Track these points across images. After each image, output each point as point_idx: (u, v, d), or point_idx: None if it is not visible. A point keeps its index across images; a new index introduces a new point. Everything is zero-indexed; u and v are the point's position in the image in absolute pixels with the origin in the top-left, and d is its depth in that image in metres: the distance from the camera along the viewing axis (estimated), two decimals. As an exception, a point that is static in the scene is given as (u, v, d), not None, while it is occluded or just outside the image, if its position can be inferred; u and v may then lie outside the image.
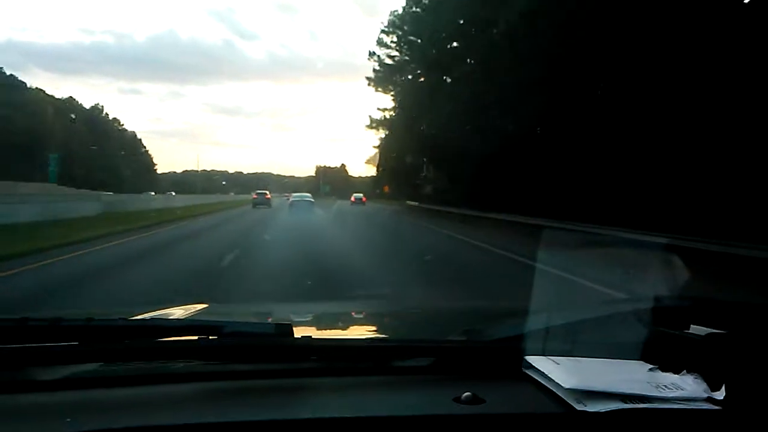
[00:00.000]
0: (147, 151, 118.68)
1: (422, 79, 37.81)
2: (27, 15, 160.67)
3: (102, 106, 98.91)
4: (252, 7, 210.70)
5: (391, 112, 60.10)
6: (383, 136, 74.72)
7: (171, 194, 66.49)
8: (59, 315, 1.24)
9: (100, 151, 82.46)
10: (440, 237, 19.43)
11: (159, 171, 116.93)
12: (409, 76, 44.38)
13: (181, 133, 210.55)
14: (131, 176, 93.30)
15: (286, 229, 21.80)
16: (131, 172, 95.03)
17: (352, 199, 71.73)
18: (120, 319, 1.31)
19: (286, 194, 77.37)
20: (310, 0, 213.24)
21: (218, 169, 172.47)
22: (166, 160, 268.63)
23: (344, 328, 2.21)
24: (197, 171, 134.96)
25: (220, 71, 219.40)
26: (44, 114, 68.90)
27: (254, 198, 46.99)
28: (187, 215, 29.77)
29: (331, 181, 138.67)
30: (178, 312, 1.90)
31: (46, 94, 76.84)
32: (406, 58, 44.55)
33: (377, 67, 49.82)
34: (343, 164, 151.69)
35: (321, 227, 24.12)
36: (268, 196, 48.36)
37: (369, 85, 52.70)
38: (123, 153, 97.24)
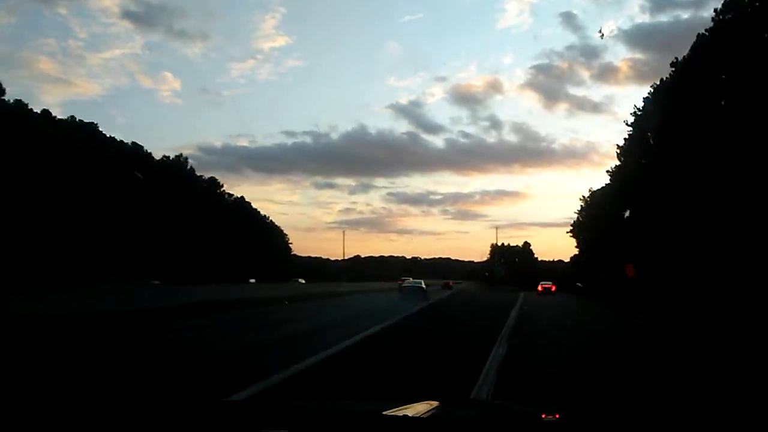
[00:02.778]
0: (273, 226, 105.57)
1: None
2: (241, 124, 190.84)
3: (186, 159, 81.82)
4: (434, 101, 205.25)
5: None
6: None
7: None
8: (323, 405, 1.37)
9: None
10: None
11: (333, 258, 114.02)
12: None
13: (368, 222, 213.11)
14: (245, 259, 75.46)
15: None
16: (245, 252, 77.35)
17: (540, 288, 56.77)
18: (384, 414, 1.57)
19: (454, 281, 74.91)
20: (490, 91, 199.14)
21: (396, 255, 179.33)
22: (350, 247, 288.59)
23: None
24: (373, 257, 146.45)
25: (405, 162, 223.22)
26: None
27: (400, 284, 46.48)
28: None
29: (510, 265, 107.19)
30: (420, 408, 1.95)
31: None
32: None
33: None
34: (526, 242, 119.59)
35: None
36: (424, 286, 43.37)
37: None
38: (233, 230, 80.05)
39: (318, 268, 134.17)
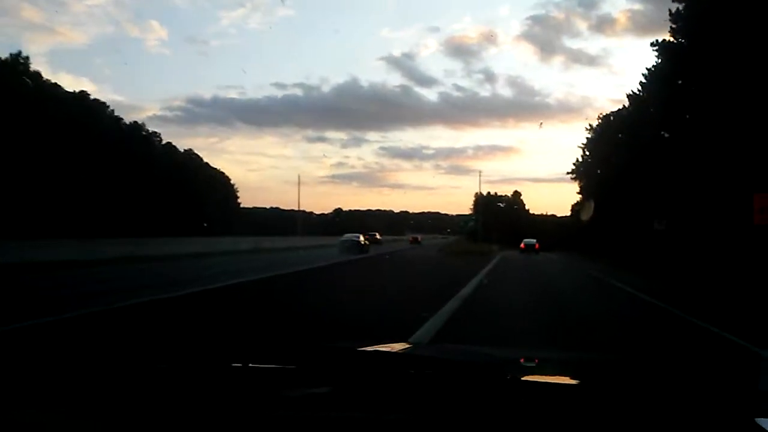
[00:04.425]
0: (218, 175, 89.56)
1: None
2: (230, 75, 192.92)
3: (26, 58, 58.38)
4: (427, 53, 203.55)
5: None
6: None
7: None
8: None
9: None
10: None
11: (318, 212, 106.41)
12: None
13: (360, 176, 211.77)
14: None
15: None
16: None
17: (522, 246, 48.04)
18: (356, 349, 1.58)
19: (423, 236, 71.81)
20: (485, 43, 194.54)
21: (384, 209, 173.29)
22: (341, 201, 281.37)
23: (554, 373, 1.95)
24: (359, 210, 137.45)
25: (398, 116, 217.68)
26: None
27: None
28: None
29: (495, 217, 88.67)
30: (383, 349, 1.93)
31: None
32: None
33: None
34: (516, 191, 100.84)
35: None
36: (362, 239, 41.46)
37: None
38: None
39: (293, 222, 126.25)
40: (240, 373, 1.31)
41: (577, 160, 55.42)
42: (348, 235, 39.63)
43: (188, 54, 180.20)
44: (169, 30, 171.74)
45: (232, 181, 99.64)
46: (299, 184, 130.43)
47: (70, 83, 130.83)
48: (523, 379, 1.40)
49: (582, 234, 45.78)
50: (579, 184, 54.90)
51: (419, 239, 79.58)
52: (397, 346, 1.92)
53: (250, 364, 1.34)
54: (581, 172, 52.22)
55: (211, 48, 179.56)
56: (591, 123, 53.67)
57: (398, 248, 49.48)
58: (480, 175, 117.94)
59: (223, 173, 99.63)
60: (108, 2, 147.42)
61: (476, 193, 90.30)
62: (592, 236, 43.45)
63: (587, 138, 54.04)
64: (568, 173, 56.19)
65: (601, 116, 52.15)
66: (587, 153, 51.41)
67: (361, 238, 39.05)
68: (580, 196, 56.31)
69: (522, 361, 2.04)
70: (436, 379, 1.26)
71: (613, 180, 35.53)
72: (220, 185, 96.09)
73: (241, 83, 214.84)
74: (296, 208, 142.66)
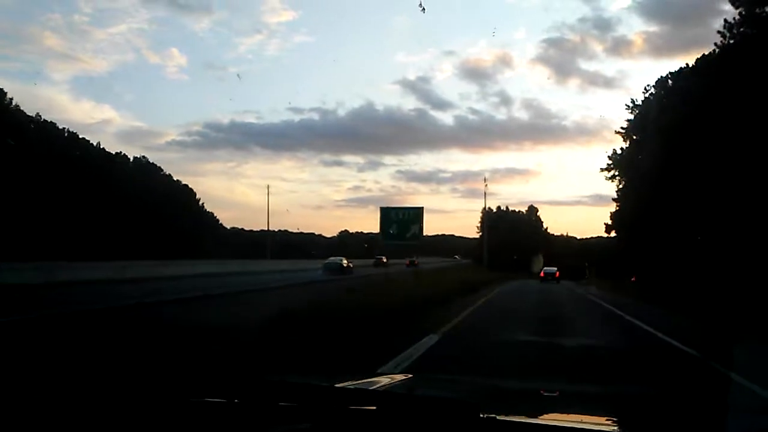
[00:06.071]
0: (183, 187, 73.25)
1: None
2: (248, 100, 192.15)
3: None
4: (443, 77, 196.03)
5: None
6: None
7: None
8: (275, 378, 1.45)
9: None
10: None
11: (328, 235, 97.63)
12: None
13: (377, 200, 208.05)
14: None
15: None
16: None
17: (542, 274, 44.99)
18: (330, 386, 1.55)
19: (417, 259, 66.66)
20: (500, 66, 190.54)
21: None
22: (359, 225, 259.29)
23: (542, 413, 1.89)
24: (363, 232, 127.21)
25: (414, 140, 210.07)
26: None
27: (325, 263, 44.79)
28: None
29: (506, 237, 72.37)
30: (383, 381, 1.97)
31: None
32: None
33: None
34: (531, 206, 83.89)
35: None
36: (344, 263, 43.15)
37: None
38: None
39: (296, 246, 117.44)
40: (213, 408, 1.27)
41: (614, 153, 38.85)
42: (332, 259, 42.51)
43: (206, 80, 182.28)
44: (188, 57, 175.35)
45: (200, 201, 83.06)
46: (268, 202, 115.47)
47: (91, 110, 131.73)
48: (498, 418, 1.35)
49: (633, 258, 28.80)
50: (617, 184, 38.23)
51: (416, 262, 68.17)
52: (378, 380, 1.93)
53: (234, 400, 1.31)
54: (625, 161, 35.39)
55: (229, 74, 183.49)
56: (633, 98, 37.44)
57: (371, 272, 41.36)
58: (486, 183, 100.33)
59: (194, 193, 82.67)
60: (129, 30, 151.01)
61: (483, 209, 73.38)
62: (646, 260, 26.56)
63: (627, 121, 37.61)
64: (602, 170, 39.52)
65: (648, 87, 35.89)
66: (634, 138, 34.73)
67: (344, 261, 40.89)
68: (617, 204, 39.61)
69: (542, 392, 2.10)
70: (412, 417, 1.25)
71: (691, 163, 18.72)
72: (187, 205, 79.14)
73: (258, 108, 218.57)
74: (305, 231, 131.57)
